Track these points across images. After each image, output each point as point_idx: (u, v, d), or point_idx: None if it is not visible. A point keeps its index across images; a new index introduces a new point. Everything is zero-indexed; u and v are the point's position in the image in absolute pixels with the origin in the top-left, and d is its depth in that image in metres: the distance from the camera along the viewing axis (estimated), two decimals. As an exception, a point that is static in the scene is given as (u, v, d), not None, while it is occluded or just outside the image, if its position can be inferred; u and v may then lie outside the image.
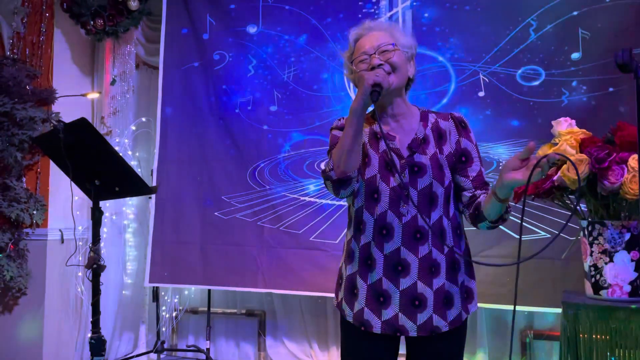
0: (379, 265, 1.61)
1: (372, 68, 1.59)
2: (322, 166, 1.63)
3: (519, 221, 1.48)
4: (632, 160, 1.80)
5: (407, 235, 1.59)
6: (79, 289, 3.81)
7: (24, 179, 3.69)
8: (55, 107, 3.72)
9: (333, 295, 3.68)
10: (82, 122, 1.94)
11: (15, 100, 3.56)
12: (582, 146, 1.92)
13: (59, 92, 3.72)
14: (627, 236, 1.89)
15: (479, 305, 3.09)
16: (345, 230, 1.77)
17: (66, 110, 3.66)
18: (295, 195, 3.46)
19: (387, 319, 1.61)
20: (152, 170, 3.73)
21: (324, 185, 3.43)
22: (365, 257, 1.64)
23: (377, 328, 1.63)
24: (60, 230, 3.73)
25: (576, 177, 1.85)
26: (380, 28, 1.68)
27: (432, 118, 1.71)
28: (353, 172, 1.56)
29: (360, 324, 1.65)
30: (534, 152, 1.43)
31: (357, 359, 1.71)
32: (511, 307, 2.99)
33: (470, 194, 1.66)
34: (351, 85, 3.34)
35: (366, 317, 1.64)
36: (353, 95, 3.34)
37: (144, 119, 4.04)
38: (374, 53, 1.62)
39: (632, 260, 1.89)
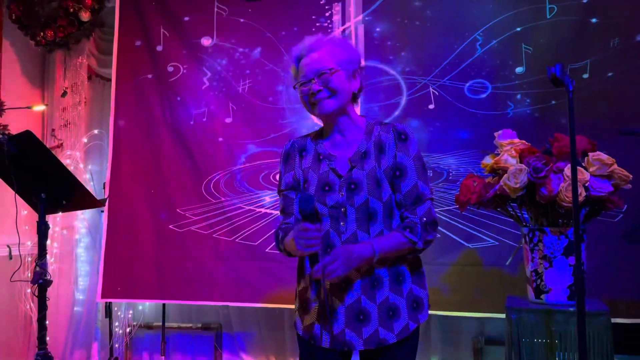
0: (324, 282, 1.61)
1: (312, 94, 1.66)
2: (277, 239, 1.77)
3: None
4: (568, 170, 1.89)
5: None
6: (28, 306, 3.69)
7: (-31, 194, 3.58)
8: (3, 119, 3.63)
9: (291, 306, 3.69)
10: (27, 134, 1.91)
11: (-40, 112, 3.46)
12: (522, 156, 2.00)
13: (7, 103, 3.63)
14: (565, 242, 1.98)
15: (431, 312, 3.19)
16: None
17: (16, 122, 3.57)
18: (251, 207, 3.46)
19: (336, 334, 1.63)
20: (104, 184, 3.67)
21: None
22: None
23: (325, 342, 1.65)
24: (8, 246, 3.62)
25: (516, 187, 1.92)
26: (320, 48, 1.69)
27: (376, 131, 1.73)
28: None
29: (309, 337, 1.69)
30: None
31: None
32: (464, 314, 3.08)
33: (402, 213, 1.69)
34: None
35: (315, 331, 1.67)
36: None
37: (96, 131, 3.98)
38: (313, 78, 1.65)
39: (570, 265, 1.98)
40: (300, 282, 1.76)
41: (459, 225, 3.08)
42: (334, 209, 1.65)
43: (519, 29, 3.06)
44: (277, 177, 1.84)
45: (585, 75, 2.95)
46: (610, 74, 2.92)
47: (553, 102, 2.97)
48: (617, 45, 2.91)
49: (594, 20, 2.95)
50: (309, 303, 1.69)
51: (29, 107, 3.53)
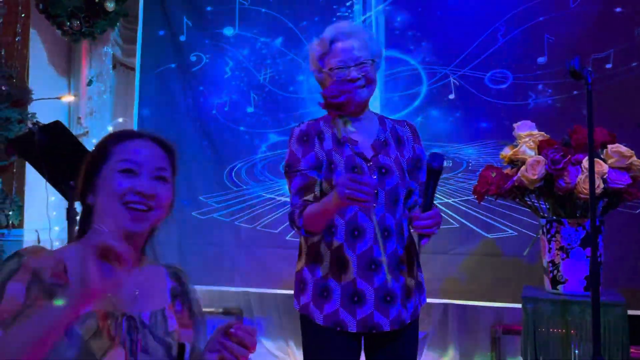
0: (352, 265, 1.65)
1: (350, 80, 1.66)
2: (294, 217, 1.67)
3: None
4: (586, 162, 1.90)
5: (381, 234, 1.65)
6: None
7: (0, 180, 3.70)
8: (31, 108, 3.73)
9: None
10: (57, 124, 1.98)
11: (-10, 101, 3.57)
12: (540, 148, 2.01)
13: (35, 92, 3.73)
14: (582, 234, 1.99)
15: (449, 301, 3.22)
16: (301, 238, 1.78)
17: (42, 110, 3.67)
18: (271, 195, 3.52)
19: (363, 317, 1.64)
20: (129, 171, 3.76)
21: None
22: (338, 259, 1.67)
23: (352, 327, 1.65)
24: (36, 230, 3.74)
25: (534, 178, 1.94)
26: (357, 36, 1.71)
27: (389, 123, 1.82)
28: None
29: (334, 324, 1.66)
30: None
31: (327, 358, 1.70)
32: (481, 303, 3.10)
33: (414, 201, 1.77)
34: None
35: (341, 317, 1.65)
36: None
37: (120, 120, 4.06)
38: (352, 65, 1.68)
39: (587, 257, 1.99)
40: (316, 272, 1.70)
41: (478, 216, 3.09)
42: None
43: (541, 18, 3.03)
44: (287, 156, 1.75)
45: (609, 65, 2.93)
46: (634, 64, 2.88)
47: (575, 92, 2.95)
48: (642, 35, 2.87)
49: (618, 9, 2.91)
50: (330, 290, 1.67)
51: (57, 98, 3.62)
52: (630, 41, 2.88)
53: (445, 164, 1.74)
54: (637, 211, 2.75)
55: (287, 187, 1.76)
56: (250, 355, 3.90)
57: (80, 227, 1.16)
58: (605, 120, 2.82)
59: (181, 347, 1.17)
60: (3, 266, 1.03)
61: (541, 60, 3.02)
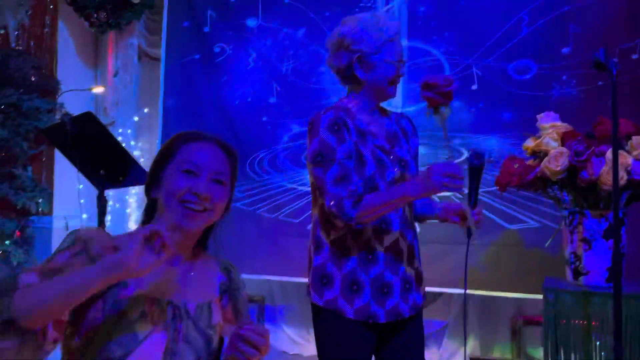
0: (379, 258, 1.66)
1: (400, 75, 1.72)
2: (343, 208, 1.59)
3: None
4: (610, 153, 1.89)
5: (402, 225, 1.69)
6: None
7: (29, 168, 3.79)
8: (59, 98, 3.82)
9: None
10: (88, 115, 2.05)
11: (21, 91, 3.65)
12: (564, 139, 2.01)
13: (63, 83, 3.82)
14: (605, 225, 1.99)
15: (470, 292, 3.23)
16: (320, 229, 1.72)
17: (70, 100, 3.75)
18: (293, 185, 3.56)
19: (391, 307, 1.66)
20: (154, 160, 3.84)
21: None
22: (367, 252, 1.66)
23: (382, 318, 1.67)
24: (65, 217, 3.84)
25: (557, 170, 1.94)
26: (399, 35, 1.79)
27: (393, 116, 1.85)
28: None
29: (366, 317, 1.66)
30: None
31: (357, 352, 1.69)
32: (501, 294, 3.11)
33: None
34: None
35: (373, 309, 1.65)
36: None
37: (146, 110, 4.13)
38: (403, 61, 1.74)
39: (609, 249, 1.99)
40: (343, 266, 1.67)
41: (500, 207, 3.09)
42: (391, 184, 1.68)
43: (566, 8, 3.01)
44: (317, 144, 1.65)
45: (635, 56, 2.89)
46: (661, 54, 2.85)
47: (600, 83, 2.93)
48: (670, 25, 2.83)
49: (645, -2, 2.87)
50: (361, 283, 1.66)
51: (88, 89, 3.70)
52: (657, 31, 2.85)
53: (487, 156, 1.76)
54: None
55: (312, 177, 1.69)
56: (273, 341, 3.95)
57: (143, 219, 1.25)
58: (631, 111, 2.80)
59: (221, 340, 1.22)
60: (61, 242, 1.13)
61: (565, 50, 3.00)
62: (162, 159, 1.22)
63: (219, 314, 1.24)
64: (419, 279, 1.76)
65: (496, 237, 3.10)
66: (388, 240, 1.67)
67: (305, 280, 3.46)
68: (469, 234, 1.66)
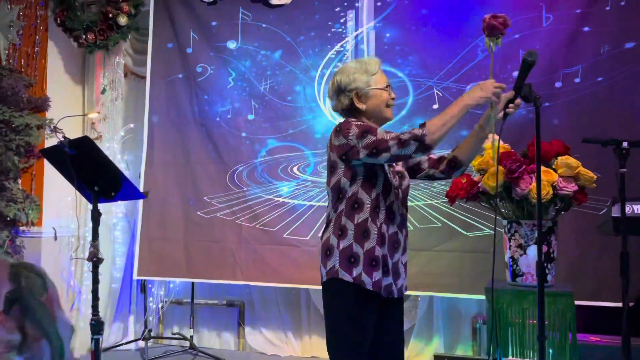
0: (387, 242, 1.97)
1: (393, 99, 2.08)
2: (409, 135, 1.85)
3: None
4: (540, 171, 2.18)
5: (400, 220, 2.03)
6: (72, 282, 4.13)
7: (19, 181, 4.00)
8: (49, 114, 4.04)
9: (307, 286, 4.00)
10: (85, 139, 2.29)
11: (12, 108, 3.87)
12: (501, 159, 2.30)
13: (52, 100, 4.04)
14: (536, 233, 2.27)
15: (434, 294, 3.51)
16: (345, 217, 1.97)
17: (59, 117, 3.96)
18: (270, 196, 3.82)
19: (386, 284, 1.96)
20: (139, 173, 4.07)
21: (296, 187, 3.86)
22: (381, 236, 1.95)
23: (394, 294, 2.00)
24: (53, 228, 4.05)
25: (494, 185, 2.23)
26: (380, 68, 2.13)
27: None
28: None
29: (379, 289, 1.94)
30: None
31: (370, 319, 1.98)
32: (463, 296, 3.39)
33: (430, 158, 2.15)
34: (321, 95, 3.71)
35: (384, 283, 1.97)
36: (323, 106, 3.71)
37: (132, 125, 4.36)
38: (390, 86, 2.09)
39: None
40: (365, 244, 1.93)
41: (459, 216, 3.38)
42: (395, 187, 2.02)
43: (517, 35, 3.32)
44: (356, 129, 1.92)
45: (577, 80, 3.22)
46: (600, 79, 3.17)
47: (547, 104, 3.23)
48: (607, 52, 3.16)
49: (586, 29, 3.19)
50: (378, 260, 1.95)
51: (84, 115, 3.92)
52: (596, 57, 3.17)
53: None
54: (602, 212, 3.03)
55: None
56: (252, 343, 4.25)
57: None
58: (574, 128, 3.13)
59: None
60: None
61: (516, 74, 3.29)
62: None
63: None
64: (405, 269, 2.07)
65: (456, 243, 3.39)
66: (391, 229, 1.99)
67: (282, 285, 3.70)
68: (504, 114, 1.92)
